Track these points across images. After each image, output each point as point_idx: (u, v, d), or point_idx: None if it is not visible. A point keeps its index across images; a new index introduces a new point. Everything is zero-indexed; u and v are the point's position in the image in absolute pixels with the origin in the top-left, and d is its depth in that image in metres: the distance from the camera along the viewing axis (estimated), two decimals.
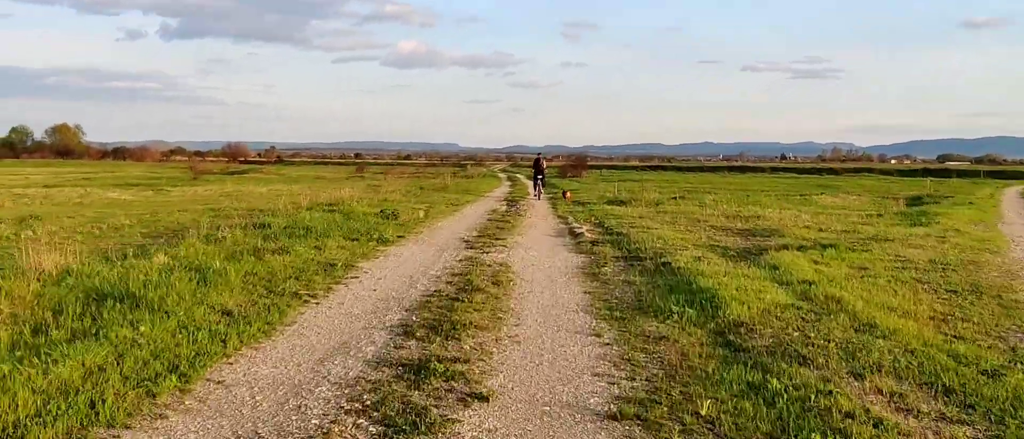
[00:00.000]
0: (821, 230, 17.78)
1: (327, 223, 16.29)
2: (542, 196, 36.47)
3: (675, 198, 30.25)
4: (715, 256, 13.40)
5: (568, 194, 36.16)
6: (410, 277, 10.97)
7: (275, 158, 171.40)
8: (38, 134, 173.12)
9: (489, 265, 12.12)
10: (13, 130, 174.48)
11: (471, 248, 14.36)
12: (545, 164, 40.42)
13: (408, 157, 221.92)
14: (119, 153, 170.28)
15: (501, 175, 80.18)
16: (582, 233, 17.24)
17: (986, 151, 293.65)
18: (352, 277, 10.88)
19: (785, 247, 14.03)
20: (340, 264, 11.57)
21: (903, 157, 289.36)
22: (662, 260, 12.47)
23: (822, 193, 37.84)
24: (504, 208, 26.57)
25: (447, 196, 31.95)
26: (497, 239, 15.95)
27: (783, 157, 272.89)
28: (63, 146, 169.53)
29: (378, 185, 45.33)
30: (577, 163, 71.87)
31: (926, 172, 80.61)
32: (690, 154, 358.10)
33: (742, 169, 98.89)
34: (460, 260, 12.69)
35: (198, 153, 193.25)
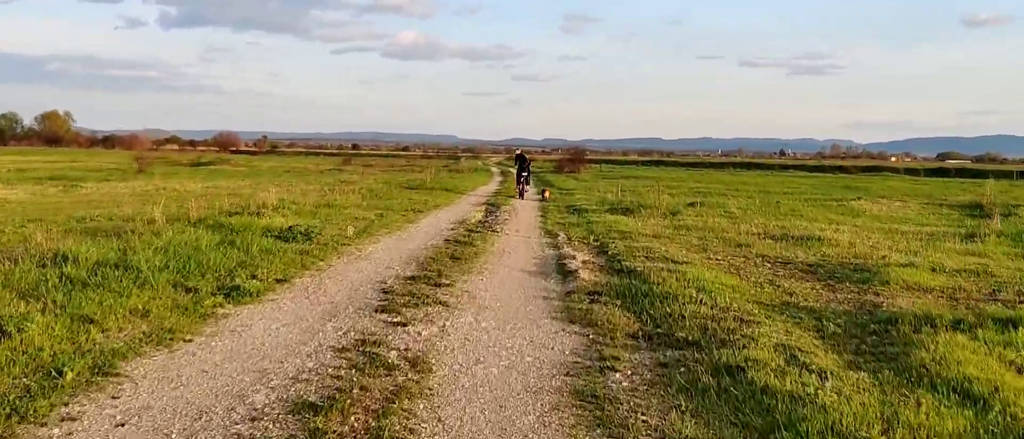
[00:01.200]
0: (934, 269, 11.68)
1: (180, 254, 10.22)
2: (526, 195, 31.02)
3: (692, 205, 24.22)
4: (808, 336, 7.39)
5: (547, 194, 30.35)
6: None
7: (267, 147, 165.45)
8: (38, 121, 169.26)
9: (388, 369, 6.10)
10: (2, 116, 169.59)
11: (385, 309, 8.27)
12: (530, 159, 34.60)
13: (406, 148, 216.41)
14: (109, 141, 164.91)
15: (494, 169, 74.06)
16: (576, 271, 11.13)
17: (985, 149, 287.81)
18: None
19: (929, 323, 7.90)
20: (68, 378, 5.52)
21: (903, 154, 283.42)
22: (721, 355, 6.45)
23: (858, 198, 31.81)
24: (479, 216, 20.54)
25: (416, 197, 25.98)
26: (441, 284, 9.90)
27: (782, 153, 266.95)
28: (52, 133, 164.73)
29: (349, 181, 39.28)
30: (575, 157, 65.73)
31: (958, 172, 74.57)
32: (689, 149, 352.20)
33: (747, 166, 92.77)
34: (337, 351, 6.64)
35: (191, 142, 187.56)
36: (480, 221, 19.14)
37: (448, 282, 10.07)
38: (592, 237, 15.57)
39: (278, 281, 9.60)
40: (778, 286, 10.34)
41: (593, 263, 12.25)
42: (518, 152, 35.22)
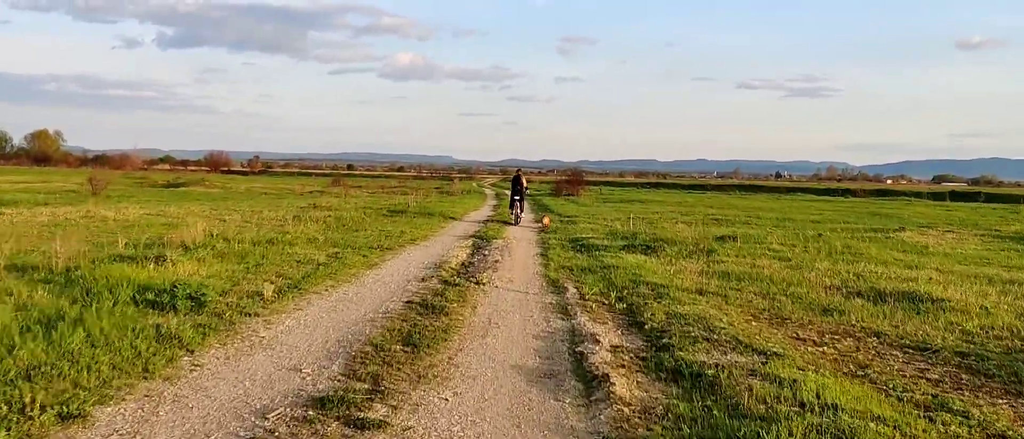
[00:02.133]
0: None
1: None
2: (522, 220, 27.26)
3: (723, 240, 19.71)
4: None
5: (546, 221, 26.57)
6: None
7: (259, 168, 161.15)
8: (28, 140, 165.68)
9: None
10: None
11: None
12: (526, 181, 30.11)
13: (401, 169, 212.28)
14: (99, 160, 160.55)
15: (488, 191, 69.62)
16: (606, 377, 6.58)
17: (980, 172, 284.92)
18: None
19: None
20: None
21: (898, 177, 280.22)
22: None
23: (900, 228, 27.39)
24: (463, 256, 16.00)
25: (392, 227, 21.49)
26: (368, 423, 5.36)
27: (778, 175, 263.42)
28: (41, 152, 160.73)
29: (325, 205, 34.81)
30: (573, 179, 61.16)
31: (965, 196, 70.21)
32: (684, 170, 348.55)
33: (752, 188, 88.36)
34: None
35: (183, 162, 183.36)
36: (463, 264, 14.62)
37: (385, 410, 5.57)
38: (614, 295, 11.03)
39: (61, 418, 5.08)
40: (956, 412, 5.85)
41: (627, 351, 7.70)
42: (516, 173, 30.39)
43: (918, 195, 72.84)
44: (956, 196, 72.48)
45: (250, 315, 8.70)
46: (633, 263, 14.69)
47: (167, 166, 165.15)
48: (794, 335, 8.63)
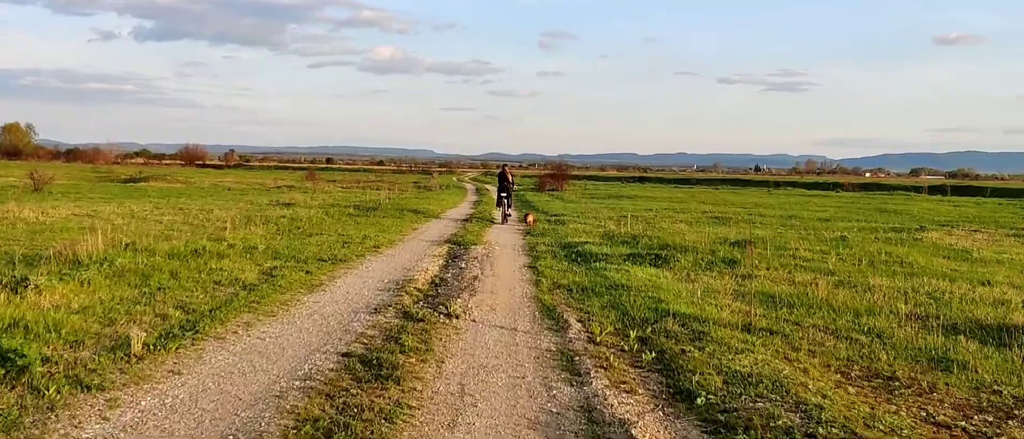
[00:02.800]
0: None
1: None
2: (510, 220, 24.79)
3: (738, 245, 16.71)
4: None
5: (531, 219, 24.08)
6: None
7: (235, 161, 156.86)
8: None
9: None
10: None
11: None
12: (513, 176, 27.08)
13: (381, 163, 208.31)
14: (71, 154, 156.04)
15: (469, 186, 66.47)
16: None
17: (957, 166, 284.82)
18: None
19: None
20: None
21: (876, 170, 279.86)
22: None
23: (922, 229, 24.58)
24: (435, 269, 12.92)
25: (354, 229, 18.35)
26: None
27: (757, 169, 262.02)
28: (12, 146, 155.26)
29: (290, 200, 31.59)
30: (557, 173, 58.05)
31: (964, 190, 67.78)
32: (664, 164, 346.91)
33: (739, 183, 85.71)
34: None
35: (159, 156, 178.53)
36: (433, 282, 11.53)
37: None
38: (635, 334, 7.97)
39: None
40: None
41: None
42: (502, 168, 27.55)
43: (917, 190, 70.43)
44: (940, 191, 70.19)
45: (91, 388, 5.56)
46: (646, 280, 11.66)
47: (141, 160, 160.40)
48: (923, 414, 5.65)
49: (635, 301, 9.80)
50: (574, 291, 10.86)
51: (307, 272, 11.64)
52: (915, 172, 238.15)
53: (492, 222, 25.07)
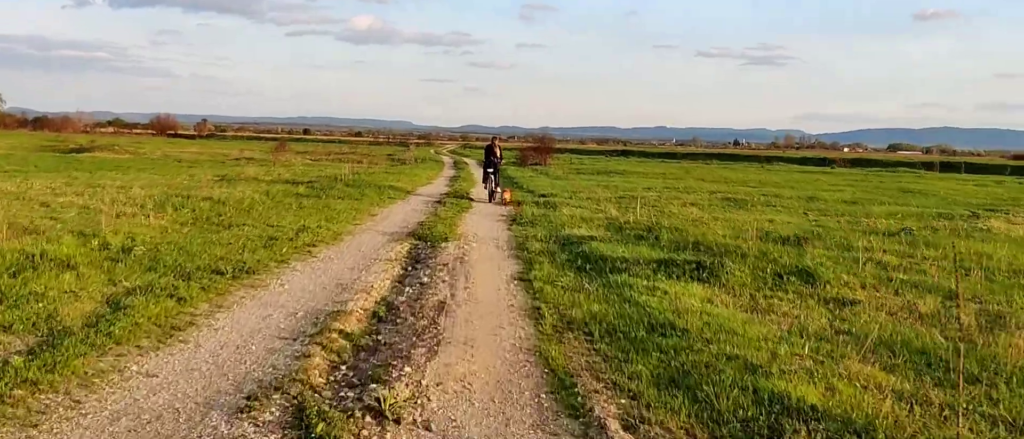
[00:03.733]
0: None
1: None
2: (496, 198, 21.24)
3: (792, 243, 12.62)
4: None
5: (507, 196, 21.05)
6: None
7: (207, 132, 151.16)
8: None
9: None
10: None
11: None
12: (500, 150, 23.18)
13: (359, 134, 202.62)
14: (38, 122, 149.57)
15: (446, 159, 62.03)
16: None
17: (933, 141, 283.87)
18: None
19: None
20: None
21: (854, 145, 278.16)
22: None
23: (974, 215, 20.74)
24: (384, 289, 8.71)
25: (293, 217, 14.10)
26: None
27: (736, 143, 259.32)
28: None
29: (238, 176, 27.14)
30: (541, 146, 53.68)
31: (976, 168, 64.17)
32: (644, 138, 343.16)
33: (728, 157, 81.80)
34: None
35: (131, 125, 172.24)
36: (374, 316, 7.29)
37: None
38: None
39: None
40: None
41: None
42: (490, 141, 23.90)
43: (908, 165, 66.88)
44: (946, 168, 66.72)
45: None
46: (701, 311, 7.52)
47: (111, 129, 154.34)
48: None
49: (709, 370, 5.67)
50: (597, 338, 6.69)
51: (180, 299, 7.37)
52: (893, 147, 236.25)
53: (470, 202, 21.02)
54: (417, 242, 12.40)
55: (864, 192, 30.07)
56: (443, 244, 12.28)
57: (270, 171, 31.36)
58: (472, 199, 22.01)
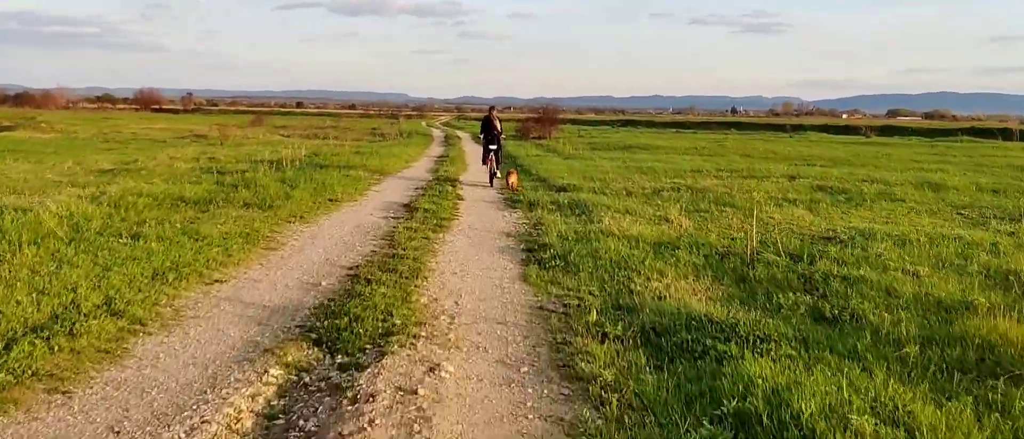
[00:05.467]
0: None
1: None
2: (497, 178, 17.24)
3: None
4: None
5: (513, 181, 16.02)
6: None
7: (193, 105, 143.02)
8: None
9: None
10: None
11: None
12: (500, 123, 18.19)
13: (353, 107, 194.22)
14: (19, 98, 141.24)
15: (437, 132, 54.48)
16: None
17: (931, 106, 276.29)
18: None
19: None
20: None
21: (852, 112, 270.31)
22: None
23: None
24: None
25: (119, 274, 6.95)
26: None
27: (733, 111, 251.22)
28: None
29: (152, 164, 19.77)
30: (545, 117, 45.93)
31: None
32: (640, 107, 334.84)
33: (743, 126, 73.99)
34: None
35: (113, 100, 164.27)
36: None
37: None
38: None
39: None
40: None
41: None
42: (488, 112, 18.26)
43: (948, 133, 59.30)
44: (993, 135, 59.11)
45: None
46: None
47: (94, 105, 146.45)
48: None
49: None
50: None
51: None
52: (892, 113, 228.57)
53: (459, 195, 13.89)
54: (306, 352, 5.11)
55: (986, 175, 22.47)
56: (420, 268, 5.06)
57: (205, 152, 23.95)
58: (461, 192, 14.84)
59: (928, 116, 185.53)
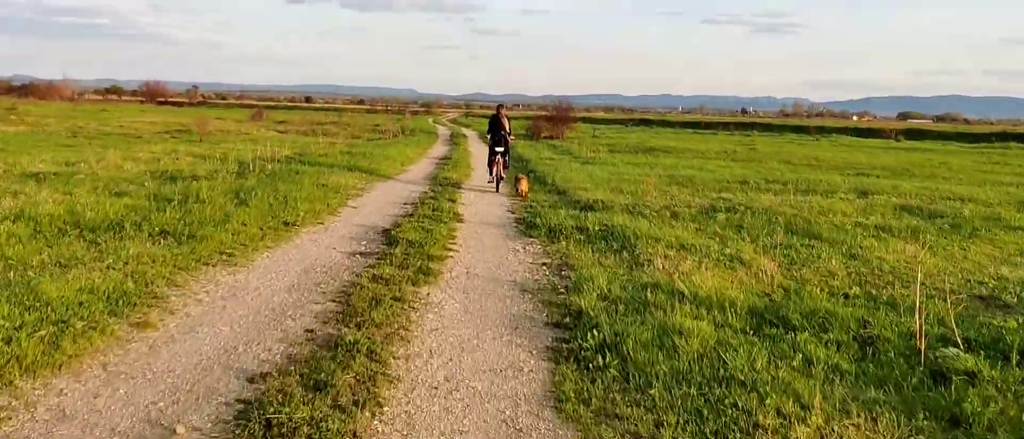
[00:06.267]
0: None
1: None
2: (503, 183, 15.46)
3: None
4: None
5: (524, 188, 14.08)
6: None
7: (198, 99, 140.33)
8: None
9: None
10: None
11: None
12: (509, 122, 16.39)
13: (362, 102, 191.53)
14: (23, 89, 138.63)
15: (443, 130, 51.25)
16: None
17: (942, 109, 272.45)
18: None
19: None
20: None
21: (862, 113, 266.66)
22: None
23: None
24: None
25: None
26: None
27: (744, 111, 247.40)
28: None
29: (98, 165, 16.63)
30: (559, 115, 42.33)
31: None
32: (650, 106, 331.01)
33: (763, 127, 70.28)
34: None
35: (117, 91, 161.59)
36: None
37: None
38: None
39: None
40: None
41: None
42: (495, 110, 15.61)
43: (981, 138, 55.65)
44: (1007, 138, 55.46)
45: None
46: None
47: (100, 97, 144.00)
48: None
49: None
50: None
51: None
52: (903, 115, 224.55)
53: (456, 216, 10.76)
54: None
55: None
56: None
57: (174, 151, 20.77)
58: (461, 209, 11.66)
59: (940, 118, 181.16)
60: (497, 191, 14.90)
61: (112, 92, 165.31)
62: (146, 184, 12.41)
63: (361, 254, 8.04)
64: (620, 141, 36.80)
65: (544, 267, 7.94)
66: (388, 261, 7.56)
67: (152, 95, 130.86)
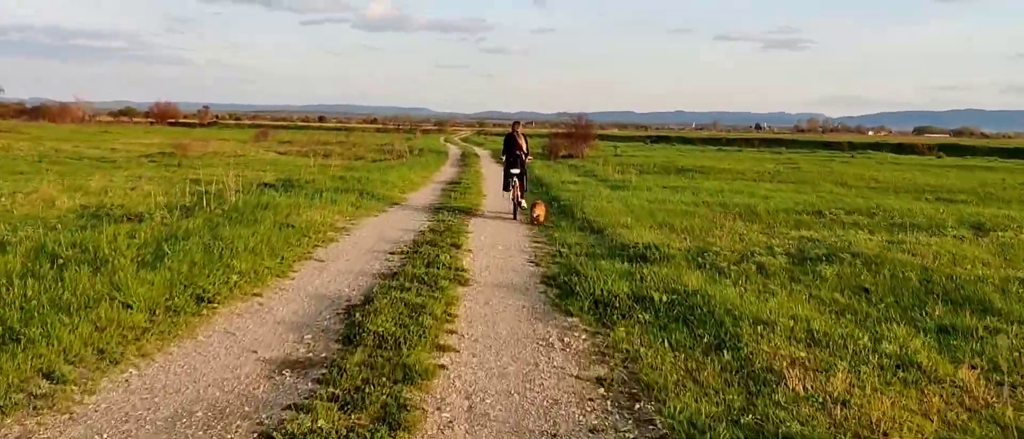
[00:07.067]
0: None
1: None
2: (521, 210, 13.22)
3: None
4: None
5: (540, 214, 12.41)
6: None
7: (209, 119, 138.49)
8: None
9: None
10: None
11: None
12: (526, 141, 14.12)
13: (374, 121, 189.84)
14: (35, 111, 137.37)
15: (454, 149, 48.21)
16: None
17: (957, 124, 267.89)
18: None
19: None
20: None
21: (878, 129, 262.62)
22: None
23: None
24: None
25: None
26: None
27: (758, 127, 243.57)
28: None
29: (19, 200, 13.57)
30: (578, 132, 38.90)
31: None
32: (662, 122, 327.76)
33: (787, 143, 66.72)
34: None
35: (129, 113, 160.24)
36: None
37: None
38: None
39: None
40: None
41: None
42: (511, 128, 12.42)
43: (1013, 152, 52.04)
44: None
45: None
46: None
47: (110, 118, 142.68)
48: None
49: None
50: None
51: None
52: (918, 131, 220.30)
53: (460, 274, 7.53)
54: None
55: None
56: None
57: (141, 176, 17.68)
58: (466, 262, 8.44)
59: (957, 133, 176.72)
60: (515, 218, 12.95)
61: (124, 113, 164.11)
62: (38, 232, 9.20)
63: (291, 369, 4.78)
64: (646, 160, 33.46)
65: (600, 389, 4.65)
66: (331, 387, 4.30)
67: (162, 116, 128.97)
